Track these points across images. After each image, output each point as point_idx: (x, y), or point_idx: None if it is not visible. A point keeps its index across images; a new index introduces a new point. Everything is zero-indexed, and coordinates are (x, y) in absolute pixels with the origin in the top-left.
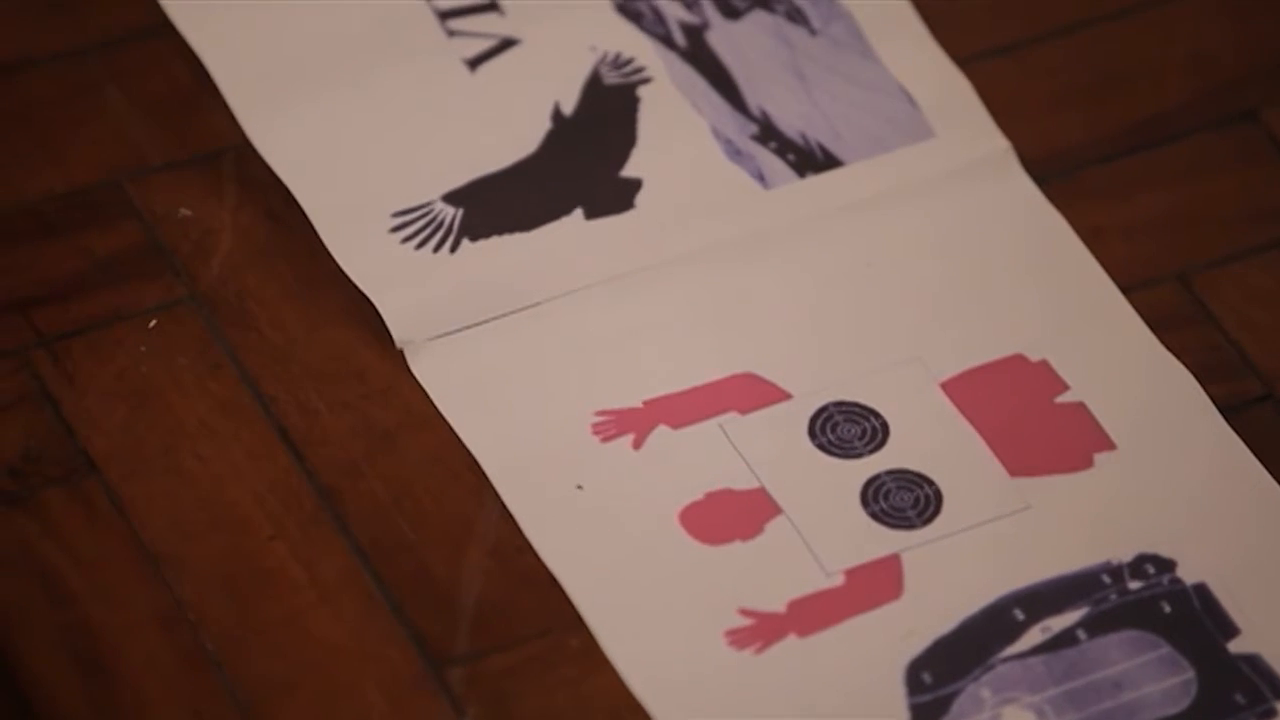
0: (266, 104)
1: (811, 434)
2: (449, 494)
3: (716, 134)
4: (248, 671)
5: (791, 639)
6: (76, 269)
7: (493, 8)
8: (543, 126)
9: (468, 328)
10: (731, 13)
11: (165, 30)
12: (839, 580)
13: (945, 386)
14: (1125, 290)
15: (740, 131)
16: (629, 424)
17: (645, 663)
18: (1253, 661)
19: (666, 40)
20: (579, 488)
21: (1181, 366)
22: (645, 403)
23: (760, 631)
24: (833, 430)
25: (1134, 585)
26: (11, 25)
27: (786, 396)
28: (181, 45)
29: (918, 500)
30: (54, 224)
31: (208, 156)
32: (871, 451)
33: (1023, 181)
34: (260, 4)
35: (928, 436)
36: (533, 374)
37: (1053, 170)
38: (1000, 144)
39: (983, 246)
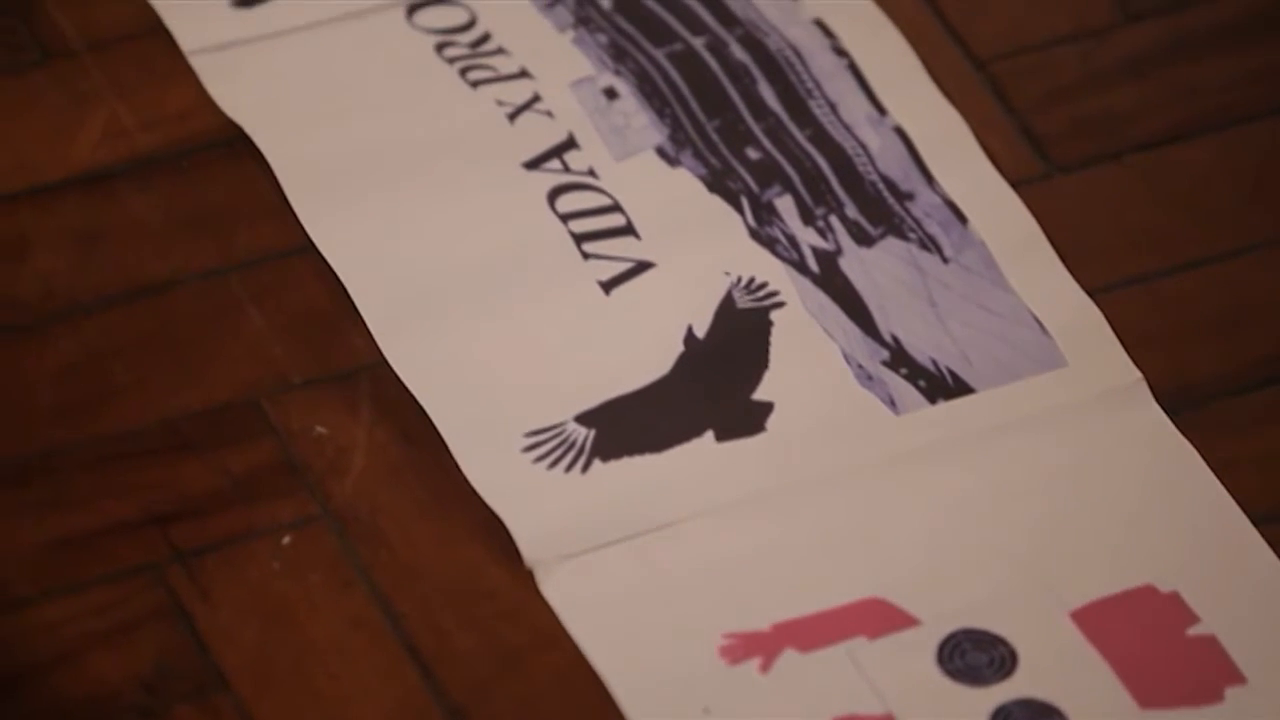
0: (404, 324)
1: (940, 661)
2: (576, 715)
3: (848, 359)
4: None
5: None
6: (213, 485)
7: (629, 232)
8: (675, 349)
9: (597, 548)
10: (864, 239)
11: (306, 251)
12: None
13: (1075, 616)
14: (1257, 522)
15: (871, 357)
16: (757, 647)
17: None
18: None
19: (799, 265)
20: (706, 711)
21: None
22: (773, 626)
23: None
24: (961, 657)
25: None
26: (160, 246)
27: (915, 622)
28: (321, 265)
29: None
30: (192, 441)
31: (344, 375)
32: (1000, 680)
33: (1154, 412)
34: (400, 226)
35: (1057, 666)
36: (661, 595)
37: (1184, 401)
38: (1132, 375)
39: (1113, 476)
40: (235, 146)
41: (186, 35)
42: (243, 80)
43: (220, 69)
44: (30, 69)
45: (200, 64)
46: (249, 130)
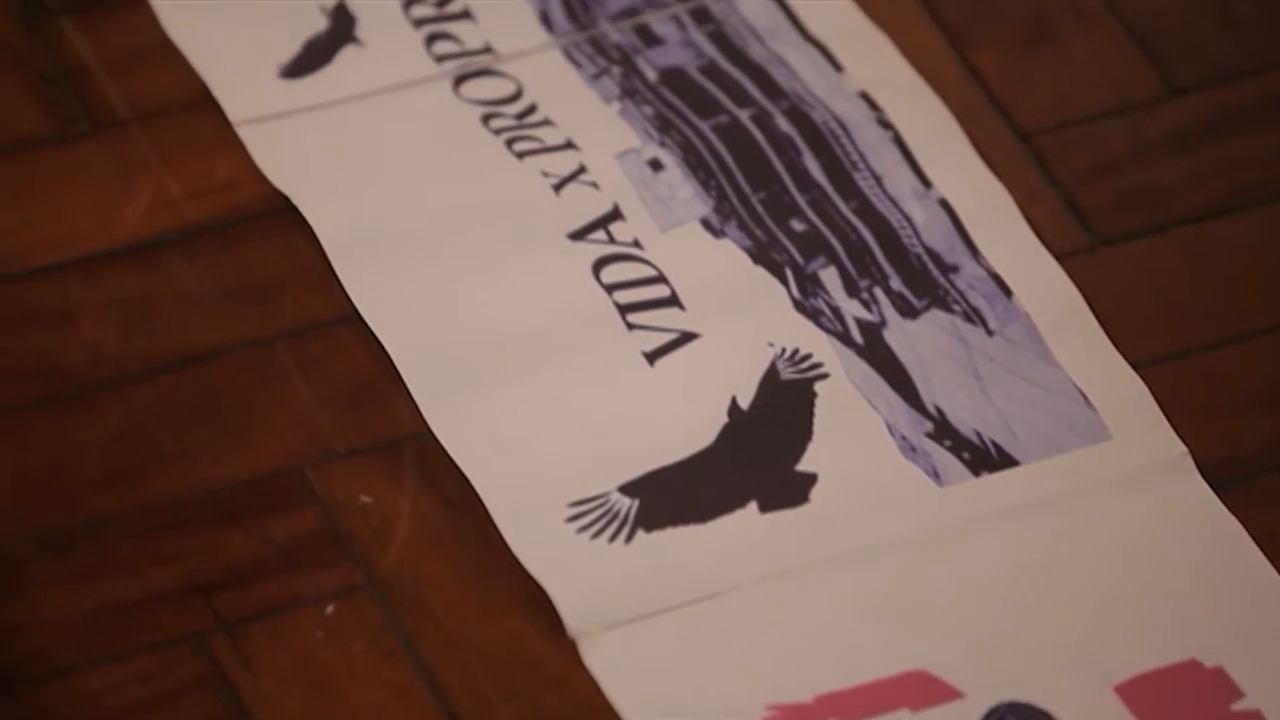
0: (448, 393)
1: None
2: None
3: (892, 430)
4: None
5: None
6: (257, 554)
7: (673, 303)
8: (719, 420)
9: (641, 619)
10: (909, 311)
11: (351, 320)
12: None
13: (1119, 690)
14: None
15: (915, 428)
16: (800, 719)
17: None
18: None
19: (844, 337)
20: None
21: None
22: (816, 698)
23: None
24: None
25: None
26: (206, 315)
27: (959, 695)
28: (366, 335)
29: None
30: (236, 509)
31: (389, 444)
32: None
33: (1199, 486)
34: (445, 296)
35: None
36: (705, 666)
37: (1229, 475)
38: (1176, 448)
39: (1158, 550)
40: (282, 216)
41: (234, 105)
42: (290, 150)
43: (268, 139)
44: (79, 139)
45: (248, 134)
46: (295, 200)
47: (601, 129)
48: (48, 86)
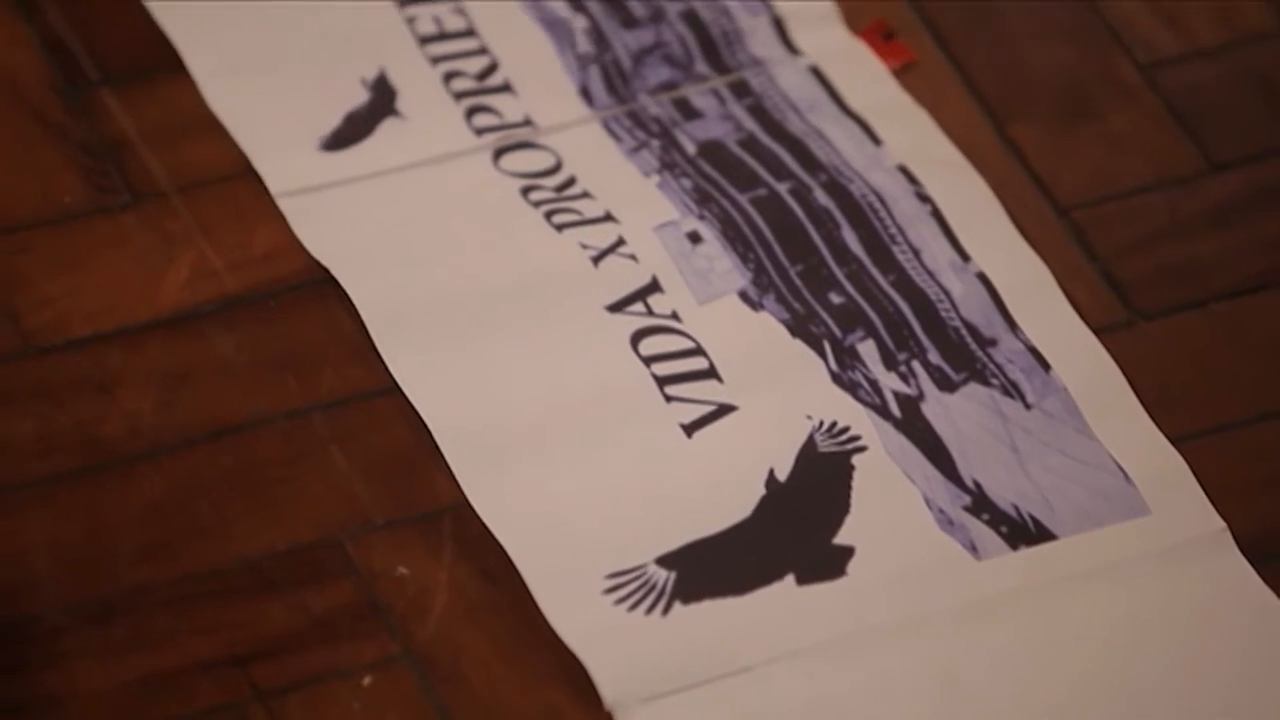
0: (486, 464)
1: None
2: None
3: (929, 503)
4: None
5: None
6: (295, 625)
7: (711, 375)
8: (757, 492)
9: (678, 691)
10: (947, 385)
11: (390, 392)
12: None
13: None
14: None
15: (953, 502)
16: None
17: None
18: None
19: (881, 410)
20: None
21: None
22: None
23: None
24: None
25: None
26: (245, 386)
27: None
28: (405, 406)
29: None
30: (274, 580)
31: (427, 516)
32: None
33: (1238, 561)
34: (483, 367)
35: None
36: None
37: (1268, 551)
38: (1215, 524)
39: (1196, 625)
40: (321, 288)
41: (275, 178)
42: (330, 222)
43: (308, 211)
44: (120, 211)
45: (288, 206)
46: (335, 272)
47: (640, 202)
48: (89, 158)
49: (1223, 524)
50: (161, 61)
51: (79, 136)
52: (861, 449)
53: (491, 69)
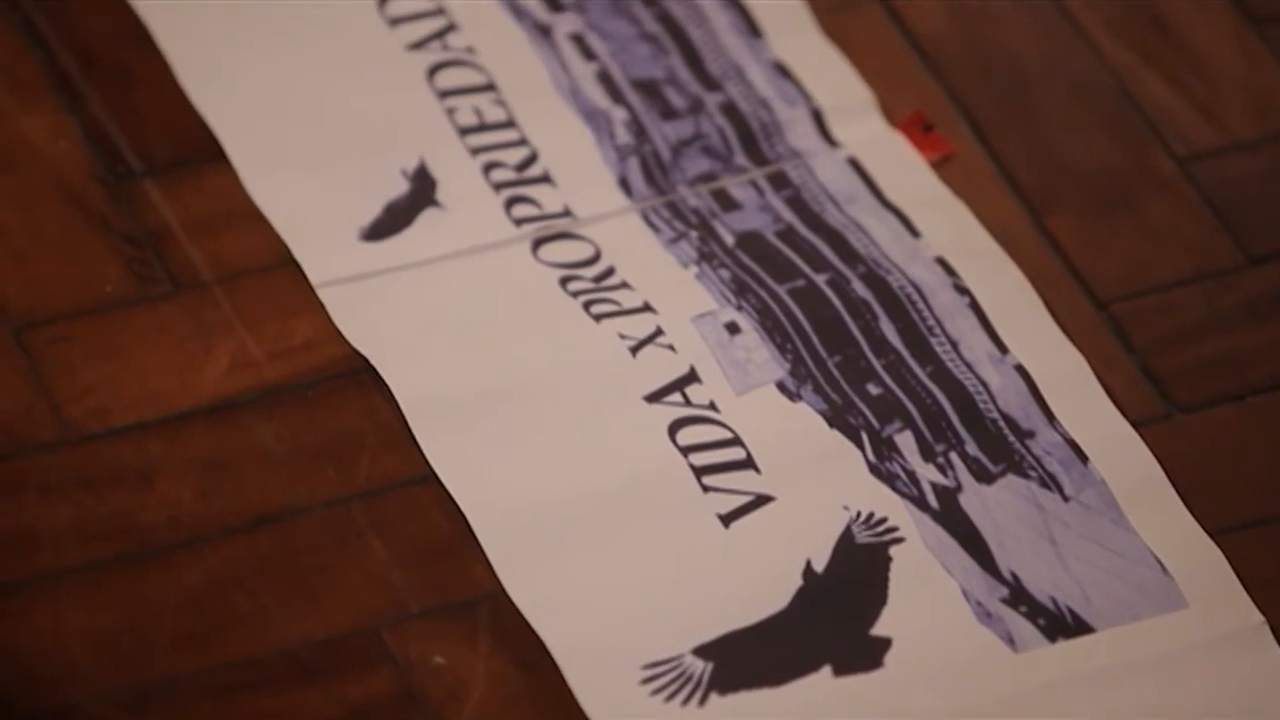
0: (523, 553)
1: None
2: None
3: (967, 595)
4: None
5: None
6: (332, 715)
7: (749, 465)
8: (794, 583)
9: None
10: (984, 476)
11: (427, 481)
12: None
13: None
14: None
15: (991, 594)
16: None
17: None
18: None
19: (919, 501)
20: None
21: None
22: None
23: None
24: None
25: None
26: (284, 475)
27: None
28: (442, 495)
29: None
30: (312, 670)
31: (463, 605)
32: None
33: (1276, 656)
34: (521, 457)
35: None
36: None
37: None
38: (1254, 617)
39: (1236, 718)
40: (360, 376)
41: (315, 267)
42: (369, 311)
43: (347, 300)
44: (161, 300)
45: (328, 295)
46: (373, 360)
47: (679, 292)
48: (131, 248)
49: (1261, 618)
50: (203, 152)
51: (121, 226)
52: (899, 540)
53: (531, 160)
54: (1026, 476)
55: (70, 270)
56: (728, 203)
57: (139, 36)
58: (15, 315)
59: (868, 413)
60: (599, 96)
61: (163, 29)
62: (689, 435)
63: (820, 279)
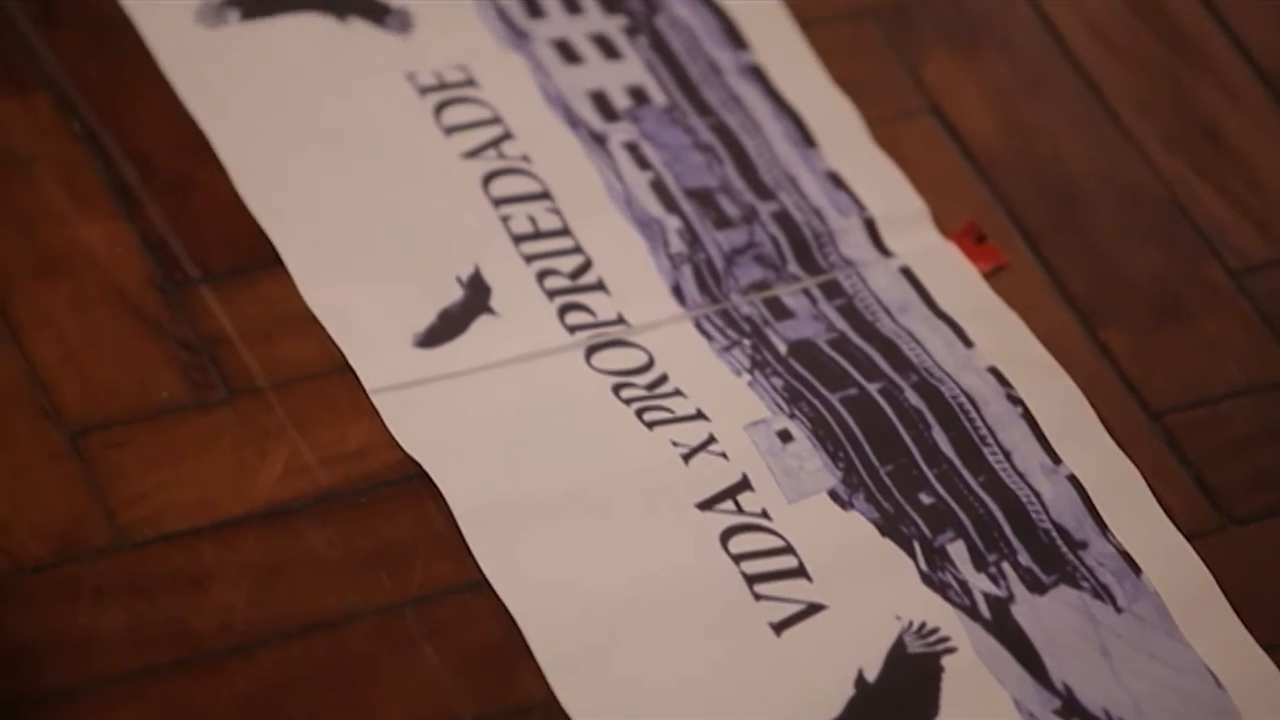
0: (575, 661)
1: None
2: None
3: (1020, 707)
4: None
5: None
6: None
7: (801, 573)
8: (846, 692)
9: None
10: (1037, 586)
11: (480, 587)
12: None
13: None
14: None
15: (1043, 706)
16: None
17: None
18: None
19: (971, 611)
20: None
21: None
22: None
23: None
24: None
25: None
26: (337, 581)
27: None
28: (495, 602)
29: None
30: None
31: (516, 712)
32: None
33: None
34: (574, 563)
35: None
36: None
37: None
38: None
39: None
40: (413, 483)
41: (370, 374)
42: (423, 418)
43: (401, 407)
44: (216, 406)
45: (382, 402)
46: (427, 466)
47: (731, 400)
48: (187, 354)
49: None
50: (260, 259)
51: (178, 332)
52: (951, 650)
53: (585, 267)
54: (1079, 587)
55: (126, 376)
56: (781, 311)
57: (198, 147)
58: (72, 420)
59: (920, 522)
60: (653, 205)
61: (221, 139)
62: (741, 543)
63: (873, 388)
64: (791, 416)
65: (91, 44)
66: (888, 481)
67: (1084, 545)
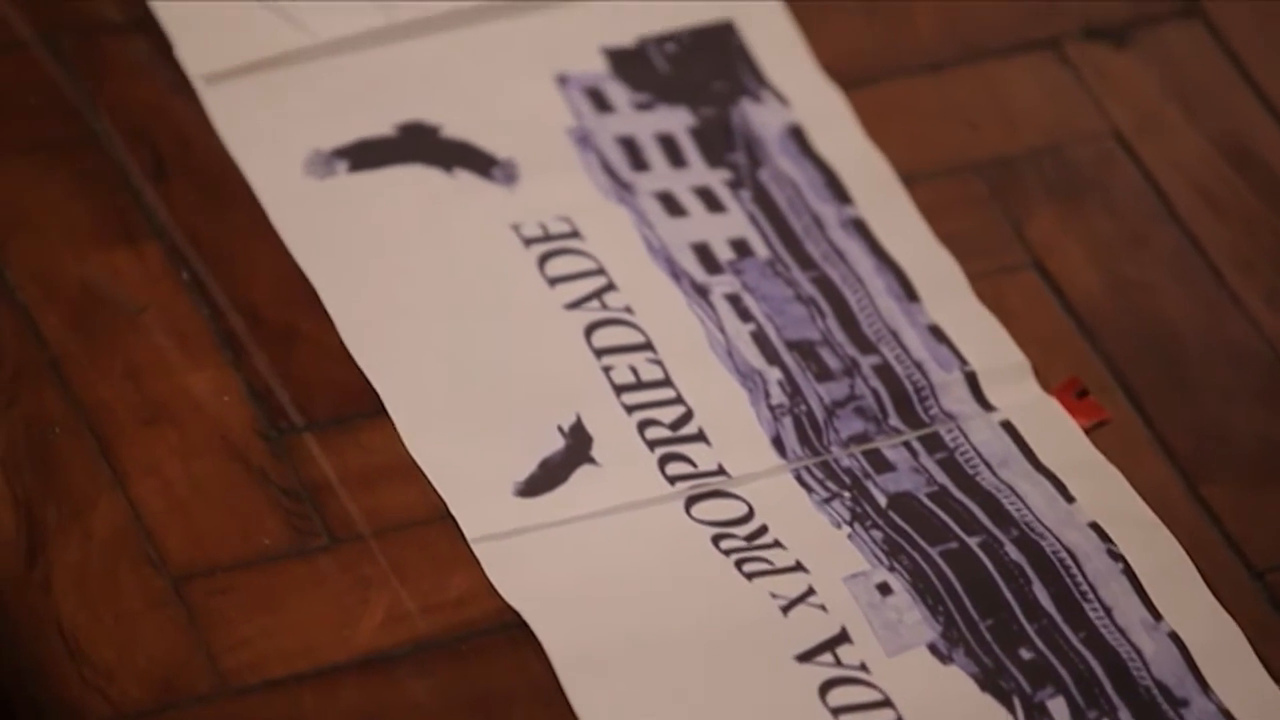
0: None
1: None
2: None
3: None
4: None
5: None
6: None
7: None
8: None
9: None
10: None
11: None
12: None
13: None
14: None
15: None
16: None
17: None
18: None
19: None
20: None
21: None
22: None
23: None
24: None
25: None
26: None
27: None
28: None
29: None
30: None
31: None
32: None
33: None
34: (675, 715)
35: None
36: None
37: None
38: None
39: None
40: (512, 632)
41: (471, 523)
42: (523, 567)
43: (502, 556)
44: (318, 553)
45: (483, 551)
46: (526, 616)
47: (831, 552)
48: (290, 501)
49: None
50: (364, 408)
51: (281, 480)
52: None
53: (686, 418)
54: None
55: (230, 522)
56: (881, 464)
57: (305, 296)
58: (175, 566)
59: (1020, 677)
60: (754, 356)
61: (328, 289)
62: (840, 696)
63: (973, 541)
64: (891, 569)
65: (201, 195)
66: (988, 636)
67: (1185, 703)
